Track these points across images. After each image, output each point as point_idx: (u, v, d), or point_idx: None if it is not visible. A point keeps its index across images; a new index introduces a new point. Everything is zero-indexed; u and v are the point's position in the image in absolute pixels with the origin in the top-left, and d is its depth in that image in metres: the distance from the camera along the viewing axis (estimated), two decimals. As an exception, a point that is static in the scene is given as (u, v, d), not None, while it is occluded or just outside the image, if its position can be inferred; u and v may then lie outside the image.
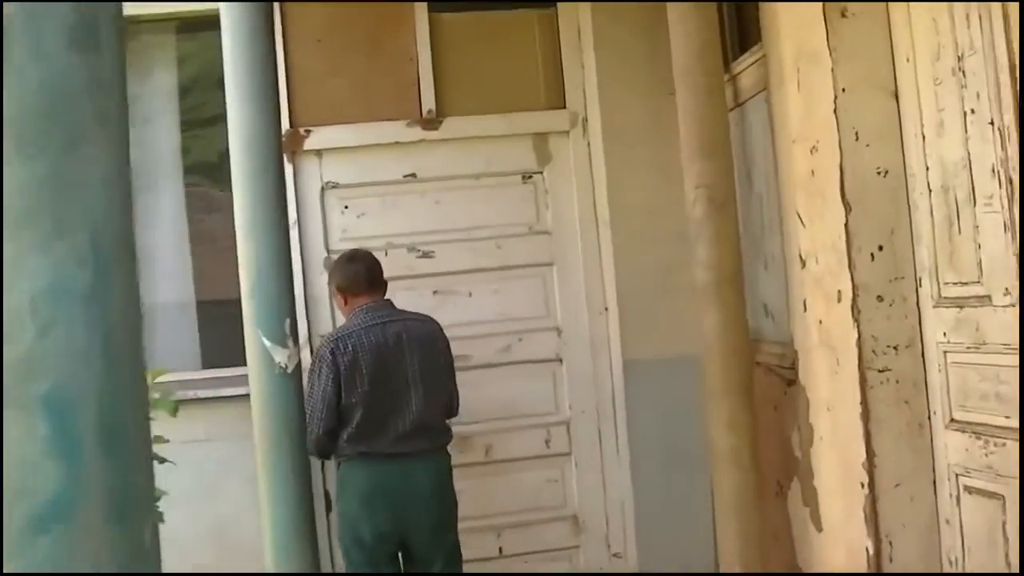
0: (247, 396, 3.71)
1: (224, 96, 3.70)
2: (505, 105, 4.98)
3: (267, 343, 3.69)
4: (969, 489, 3.21)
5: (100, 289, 0.94)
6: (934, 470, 3.40)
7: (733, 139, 4.21)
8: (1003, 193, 2.88)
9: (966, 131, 3.04)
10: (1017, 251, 2.82)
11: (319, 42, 4.88)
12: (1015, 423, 2.88)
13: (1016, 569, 2.92)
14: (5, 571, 0.89)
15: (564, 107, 5.05)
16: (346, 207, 4.89)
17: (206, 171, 5.17)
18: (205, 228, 5.07)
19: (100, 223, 0.95)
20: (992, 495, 3.06)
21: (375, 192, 4.90)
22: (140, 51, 4.90)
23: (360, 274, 4.05)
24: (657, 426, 4.87)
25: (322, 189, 4.86)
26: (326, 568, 4.47)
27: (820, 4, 3.48)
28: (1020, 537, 2.88)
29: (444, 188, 4.94)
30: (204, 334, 5.00)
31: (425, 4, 4.95)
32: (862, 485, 3.48)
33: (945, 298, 3.28)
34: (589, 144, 5.01)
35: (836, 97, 3.47)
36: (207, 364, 4.93)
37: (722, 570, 4.17)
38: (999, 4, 2.81)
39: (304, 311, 4.70)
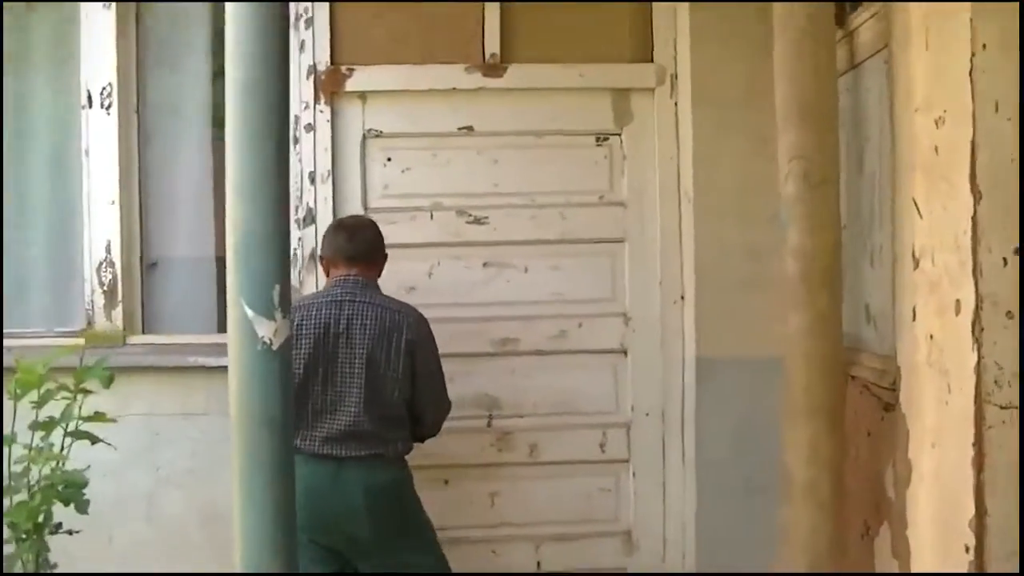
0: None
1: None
2: (582, 54, 4.44)
3: (250, 313, 3.11)
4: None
5: None
6: (1061, 538, 2.70)
7: (843, 108, 3.54)
8: None
9: None
10: None
11: (371, -32, 4.37)
12: None
13: None
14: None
15: (651, 61, 4.46)
16: (389, 159, 4.40)
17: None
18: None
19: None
20: None
21: (424, 144, 4.41)
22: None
23: (340, 243, 3.70)
24: (732, 438, 4.33)
25: (363, 138, 4.39)
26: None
27: (960, -61, 2.75)
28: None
29: (504, 145, 4.44)
30: (223, 295, 4.57)
31: (496, -69, 4.40)
32: (967, 549, 2.78)
33: (1096, 322, 2.56)
34: (677, 105, 4.43)
35: (974, 55, 2.74)
36: (224, 327, 4.48)
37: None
38: None
39: (332, 277, 4.23)
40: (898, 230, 3.31)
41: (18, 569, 2.89)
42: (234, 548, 3.21)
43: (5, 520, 2.86)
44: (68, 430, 2.93)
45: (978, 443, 2.76)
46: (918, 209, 3.08)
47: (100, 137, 4.35)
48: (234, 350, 3.24)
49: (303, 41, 4.29)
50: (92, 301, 4.35)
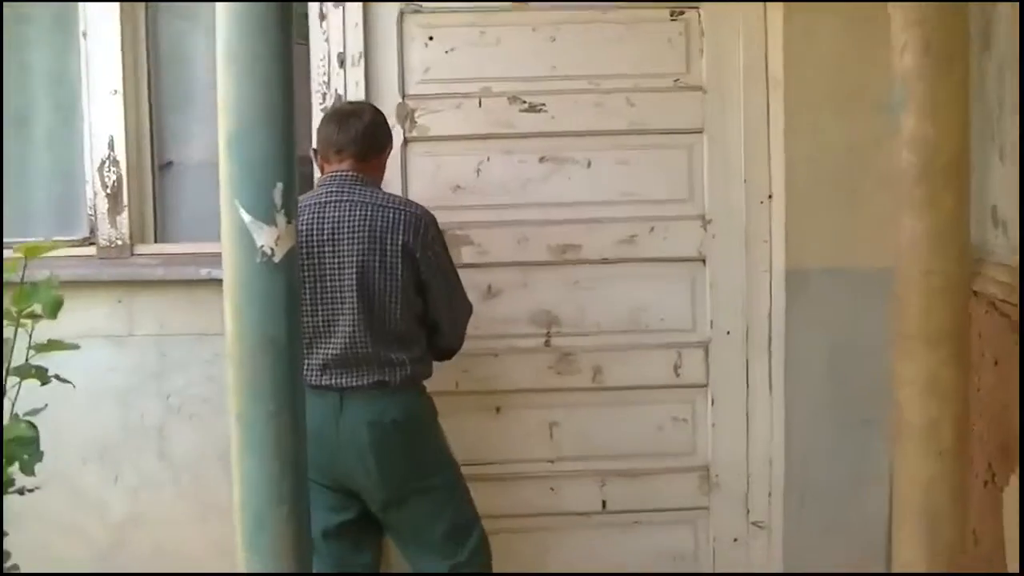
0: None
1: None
2: (655, -92, 3.93)
3: (247, 218, 2.62)
4: None
5: None
6: None
7: (971, -30, 3.01)
8: None
9: None
10: None
11: None
12: None
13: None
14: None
15: (734, -82, 3.93)
16: (431, 38, 3.92)
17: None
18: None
19: None
20: None
21: (471, 21, 3.94)
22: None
23: (329, 133, 3.31)
24: (827, 362, 3.94)
25: (400, 13, 3.91)
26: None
27: None
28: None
29: (563, 20, 3.96)
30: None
31: None
32: None
33: None
34: (766, -29, 3.94)
35: None
36: (246, 234, 4.09)
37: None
38: None
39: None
40: (1041, 115, 2.80)
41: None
42: (233, 494, 2.75)
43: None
44: (12, 368, 2.37)
45: None
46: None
47: (99, 16, 3.92)
48: (229, 262, 2.74)
49: None
50: (95, 206, 3.95)
